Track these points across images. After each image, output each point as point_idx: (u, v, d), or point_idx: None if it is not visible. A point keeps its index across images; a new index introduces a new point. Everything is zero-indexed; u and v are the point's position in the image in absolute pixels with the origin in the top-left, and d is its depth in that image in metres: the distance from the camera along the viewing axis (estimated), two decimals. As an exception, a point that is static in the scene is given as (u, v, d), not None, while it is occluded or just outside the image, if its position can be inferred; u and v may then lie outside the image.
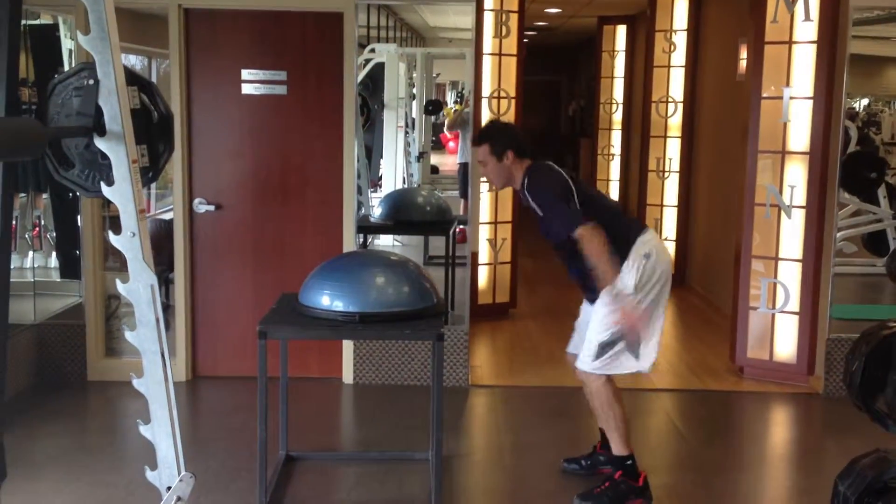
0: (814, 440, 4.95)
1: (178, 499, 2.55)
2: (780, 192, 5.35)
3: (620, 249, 3.68)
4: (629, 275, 3.69)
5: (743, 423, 5.13)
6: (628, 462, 3.81)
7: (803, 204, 5.32)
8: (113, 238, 2.60)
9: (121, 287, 2.62)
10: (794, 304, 5.39)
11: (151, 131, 2.78)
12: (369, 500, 3.89)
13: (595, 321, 3.78)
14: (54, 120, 2.69)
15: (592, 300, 3.82)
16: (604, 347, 3.74)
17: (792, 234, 5.38)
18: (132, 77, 2.68)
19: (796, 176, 5.34)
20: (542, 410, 5.04)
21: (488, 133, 3.94)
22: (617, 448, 3.82)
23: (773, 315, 5.46)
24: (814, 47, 5.23)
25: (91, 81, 2.55)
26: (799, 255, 5.36)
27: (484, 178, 6.01)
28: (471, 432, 4.85)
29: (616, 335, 3.71)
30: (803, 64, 5.27)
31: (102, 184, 2.60)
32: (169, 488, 2.59)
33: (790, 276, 5.41)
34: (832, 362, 5.22)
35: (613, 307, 3.68)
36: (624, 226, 3.83)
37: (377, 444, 4.52)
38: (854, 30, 5.11)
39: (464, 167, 7.57)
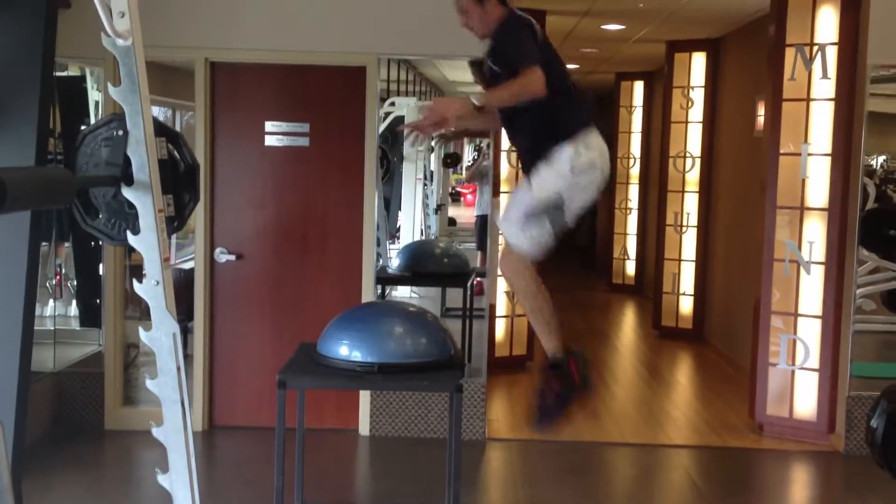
0: (834, 499, 4.87)
1: (195, 549, 2.54)
2: (799, 248, 5.35)
3: (564, 126, 3.45)
4: (566, 159, 3.40)
5: (763, 481, 5.06)
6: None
7: (822, 260, 5.31)
8: (137, 286, 2.62)
9: (143, 335, 2.63)
10: (814, 360, 5.35)
11: (177, 181, 2.82)
12: (385, 553, 3.86)
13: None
14: (83, 169, 2.73)
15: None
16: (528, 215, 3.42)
17: (811, 291, 5.36)
18: (160, 128, 2.73)
19: (815, 232, 5.34)
20: (560, 466, 4.99)
21: None
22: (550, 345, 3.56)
23: (793, 371, 5.42)
24: (832, 105, 5.27)
25: (120, 132, 2.60)
26: (818, 311, 5.33)
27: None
28: (487, 486, 4.81)
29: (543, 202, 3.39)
30: (821, 121, 5.30)
31: (128, 233, 2.63)
32: (186, 538, 2.58)
33: (810, 332, 5.37)
34: (853, 420, 5.16)
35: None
36: (576, 105, 3.56)
37: (393, 497, 4.48)
38: (871, 88, 5.14)
39: (481, 219, 7.60)
